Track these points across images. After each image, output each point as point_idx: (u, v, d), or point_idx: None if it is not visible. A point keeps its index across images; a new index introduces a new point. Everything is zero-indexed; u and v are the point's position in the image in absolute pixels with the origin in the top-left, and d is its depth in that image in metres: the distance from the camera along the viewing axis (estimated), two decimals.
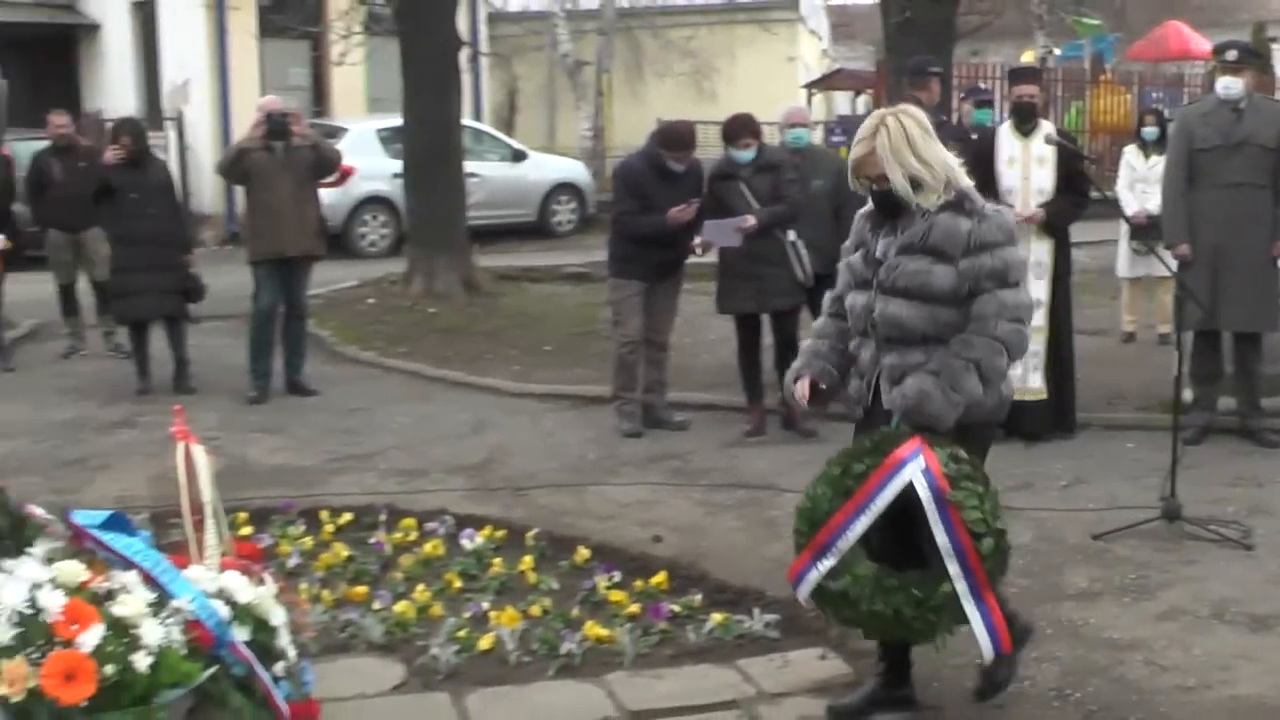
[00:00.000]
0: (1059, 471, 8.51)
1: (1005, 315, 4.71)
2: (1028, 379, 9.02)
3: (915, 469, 4.54)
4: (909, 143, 4.76)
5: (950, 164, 4.85)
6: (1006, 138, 9.16)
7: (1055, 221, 9.05)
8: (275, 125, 10.86)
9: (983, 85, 12.84)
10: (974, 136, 10.94)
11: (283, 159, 10.85)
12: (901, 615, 4.63)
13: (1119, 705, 5.28)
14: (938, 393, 4.67)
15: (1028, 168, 9.02)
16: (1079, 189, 9.12)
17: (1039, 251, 9.01)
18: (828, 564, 4.68)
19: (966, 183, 4.88)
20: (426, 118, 15.15)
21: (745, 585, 6.59)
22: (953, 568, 4.52)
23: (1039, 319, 8.92)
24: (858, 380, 5.05)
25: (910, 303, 4.76)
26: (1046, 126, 9.17)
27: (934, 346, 4.76)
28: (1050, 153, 8.95)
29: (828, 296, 5.30)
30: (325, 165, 11.30)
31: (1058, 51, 26.26)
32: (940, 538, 4.52)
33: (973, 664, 5.66)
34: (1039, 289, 8.94)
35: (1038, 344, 8.93)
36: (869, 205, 5.02)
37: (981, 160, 9.15)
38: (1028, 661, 5.63)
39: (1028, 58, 22.27)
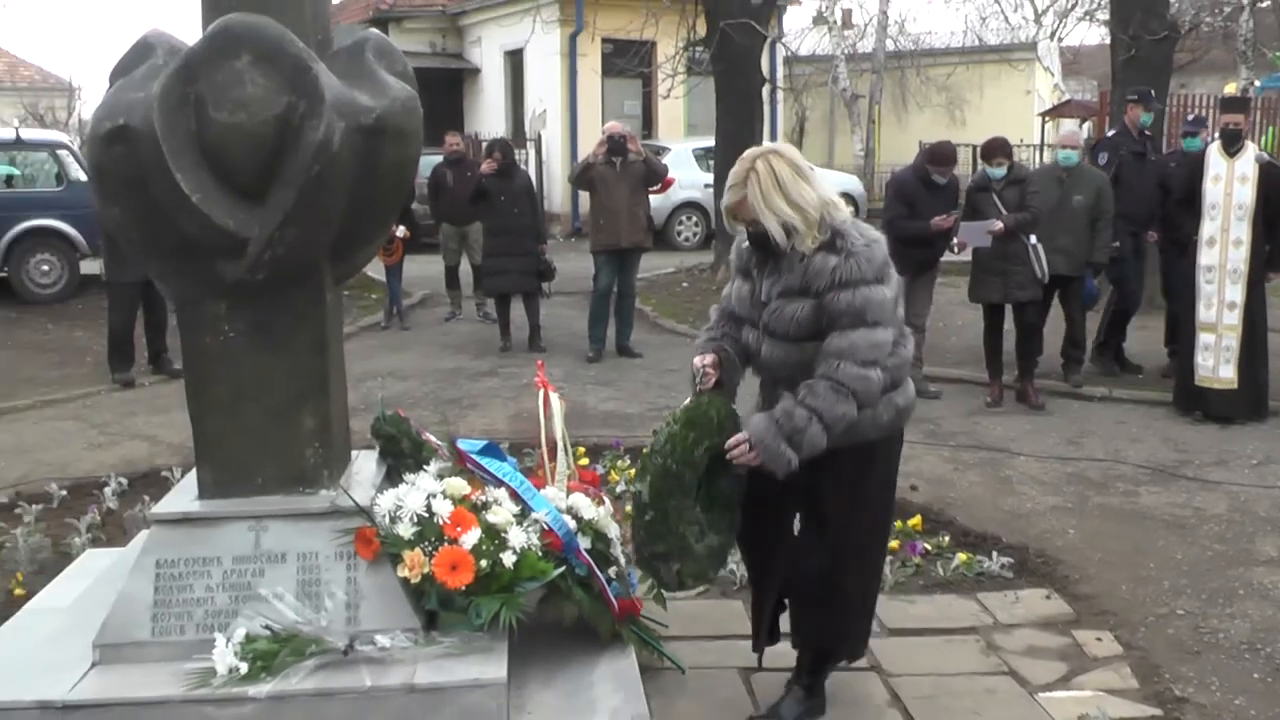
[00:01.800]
0: (1251, 451, 8.02)
1: (853, 358, 3.82)
2: (1219, 370, 8.65)
3: None
4: (778, 187, 3.93)
5: (826, 200, 3.97)
6: (1214, 158, 8.67)
7: None
8: (615, 144, 11.02)
9: (1190, 116, 12.27)
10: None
11: (620, 171, 11.01)
12: None
13: None
14: (783, 447, 3.85)
15: (1231, 185, 8.53)
16: None
17: (1235, 259, 8.53)
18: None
19: (842, 217, 3.98)
20: (733, 139, 15.10)
21: (985, 531, 6.46)
22: None
23: (1233, 318, 8.51)
24: (761, 408, 4.18)
25: (789, 345, 3.99)
26: (1252, 149, 8.67)
27: None
28: (1253, 172, 8.48)
29: (714, 310, 4.40)
30: (654, 176, 11.40)
31: (1258, 83, 24.72)
32: None
33: (1174, 613, 5.44)
34: (1234, 292, 8.54)
35: (1230, 340, 8.57)
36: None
37: (1191, 177, 8.86)
38: (1222, 616, 5.38)
39: (1230, 89, 21.05)
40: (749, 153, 4.10)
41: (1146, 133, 10.84)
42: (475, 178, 12.03)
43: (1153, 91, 11.17)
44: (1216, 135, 9.04)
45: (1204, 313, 8.64)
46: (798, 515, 4.29)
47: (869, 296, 3.86)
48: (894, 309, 3.98)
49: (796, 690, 4.37)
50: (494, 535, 3.95)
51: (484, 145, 16.24)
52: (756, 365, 4.20)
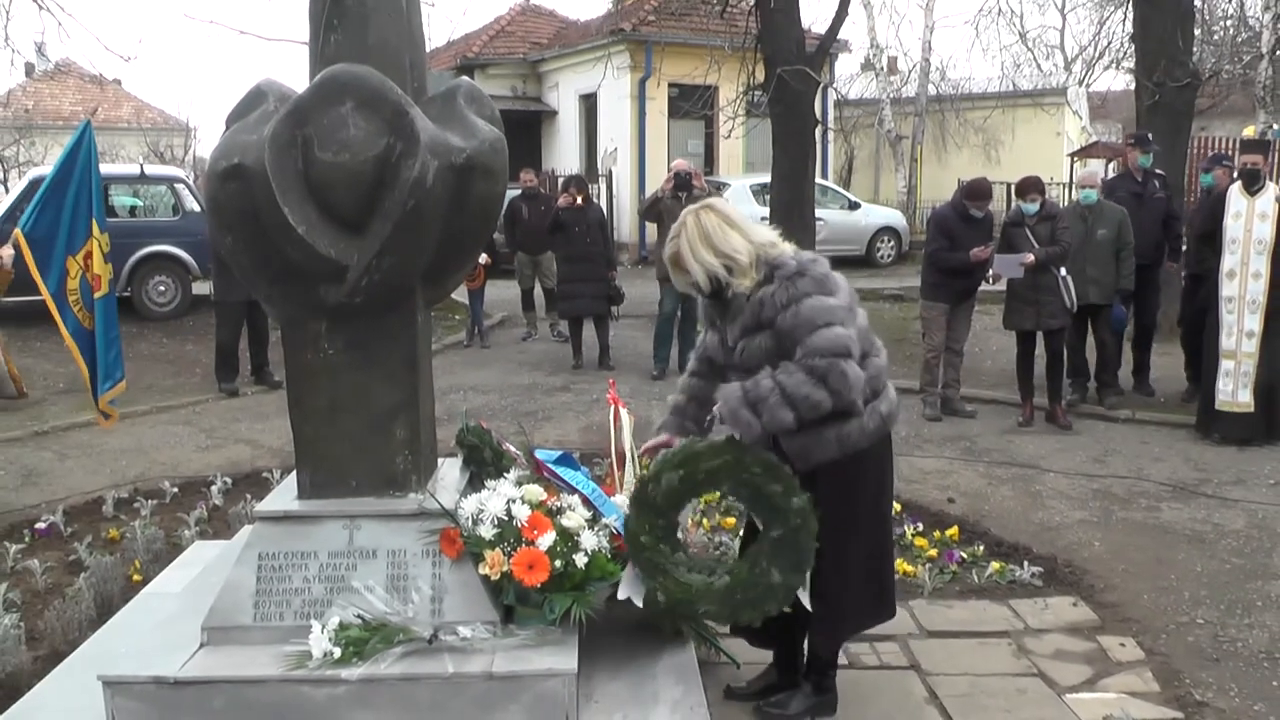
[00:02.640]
0: (1269, 472, 7.88)
1: (818, 354, 3.72)
2: (1237, 395, 8.52)
3: None
4: (705, 239, 3.90)
5: (760, 243, 3.93)
6: (1235, 196, 8.55)
7: None
8: (681, 180, 11.06)
9: (1210, 153, 12.07)
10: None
11: (686, 205, 11.00)
12: None
13: None
14: (744, 411, 3.78)
15: (1251, 221, 8.40)
16: None
17: (1254, 291, 8.41)
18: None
19: (778, 253, 3.92)
20: (788, 176, 15.05)
21: (1016, 542, 6.42)
22: None
23: (1251, 346, 8.38)
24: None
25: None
26: (1273, 188, 8.54)
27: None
28: (1272, 209, 8.35)
29: (692, 356, 4.39)
30: None
31: (1276, 127, 24.26)
32: None
33: (1194, 622, 5.35)
34: (1252, 321, 8.41)
35: (1248, 366, 8.45)
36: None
37: (1213, 214, 8.77)
38: (1240, 626, 5.30)
39: (1249, 132, 20.63)
40: (687, 209, 4.08)
41: (1159, 172, 10.69)
42: (551, 210, 12.11)
43: (1149, 135, 11.05)
44: (1237, 175, 8.93)
45: (1225, 341, 8.51)
46: None
47: (813, 305, 3.80)
48: (848, 315, 3.88)
49: (806, 686, 4.32)
50: (568, 538, 3.96)
51: (560, 181, 16.33)
52: None
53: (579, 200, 11.79)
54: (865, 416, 3.93)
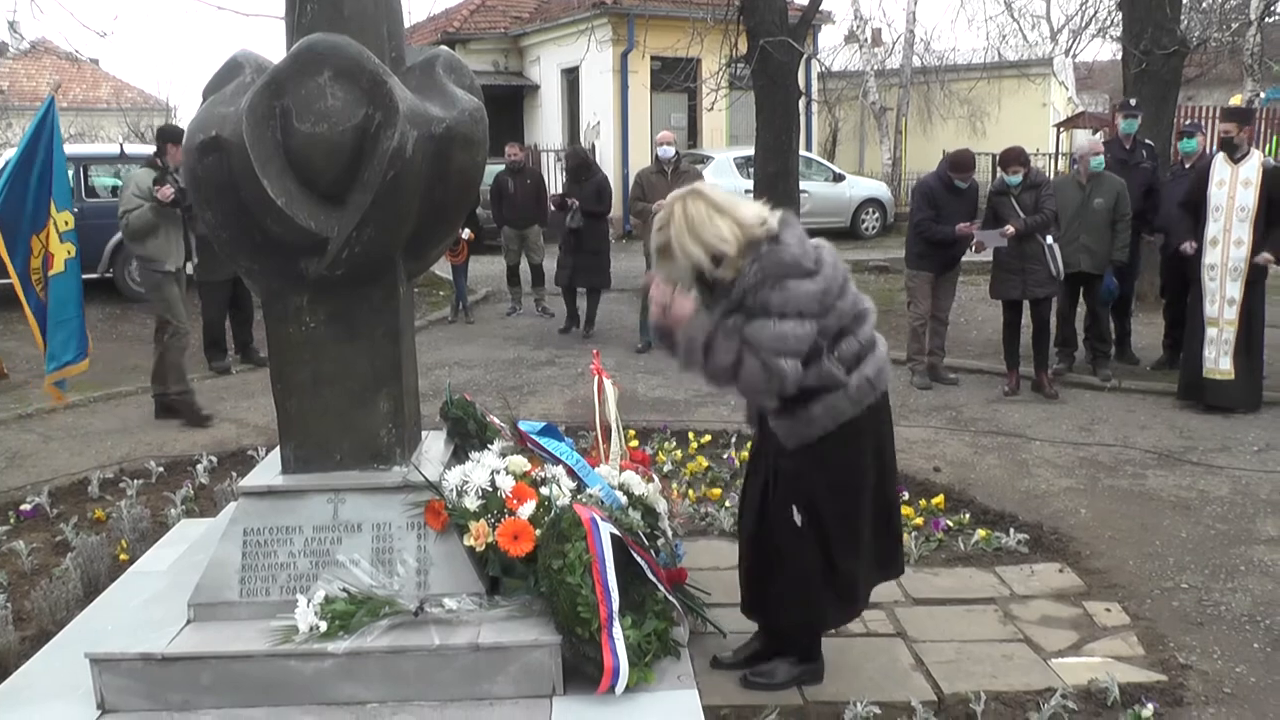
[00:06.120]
0: (1252, 439, 7.90)
1: (758, 349, 3.63)
2: (1219, 362, 8.54)
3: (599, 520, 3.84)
4: (692, 230, 3.69)
5: (748, 223, 3.73)
6: (1219, 164, 8.56)
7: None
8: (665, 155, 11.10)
9: (1187, 122, 11.98)
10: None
11: (670, 180, 11.02)
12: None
13: None
14: (698, 335, 3.70)
15: (1234, 188, 8.41)
16: None
17: (1236, 258, 8.41)
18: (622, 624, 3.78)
19: (763, 231, 3.73)
20: (772, 148, 15.02)
21: (1002, 510, 6.44)
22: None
23: (1233, 314, 8.41)
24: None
25: None
26: (1258, 155, 8.54)
27: None
28: (1256, 176, 8.35)
29: None
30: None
31: (1263, 95, 24.26)
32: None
33: (1179, 587, 5.38)
34: (1234, 289, 8.44)
35: (1229, 334, 8.47)
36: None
37: (1198, 181, 8.78)
38: (1224, 590, 5.32)
39: (1235, 101, 20.59)
40: (672, 195, 3.89)
41: (1148, 141, 10.67)
42: (536, 184, 12.01)
43: (1132, 101, 11.02)
44: (1216, 144, 8.94)
45: (1209, 309, 8.53)
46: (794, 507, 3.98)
47: (770, 299, 3.65)
48: (815, 300, 3.72)
49: (791, 654, 4.31)
50: (551, 508, 3.97)
51: (562, 154, 16.22)
52: None
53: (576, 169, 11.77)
54: (851, 383, 3.84)
